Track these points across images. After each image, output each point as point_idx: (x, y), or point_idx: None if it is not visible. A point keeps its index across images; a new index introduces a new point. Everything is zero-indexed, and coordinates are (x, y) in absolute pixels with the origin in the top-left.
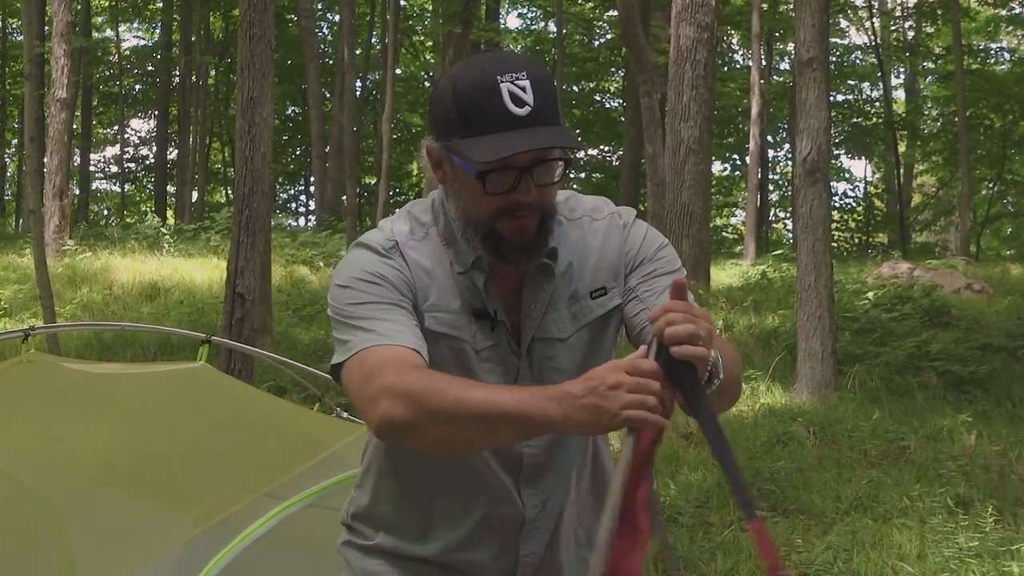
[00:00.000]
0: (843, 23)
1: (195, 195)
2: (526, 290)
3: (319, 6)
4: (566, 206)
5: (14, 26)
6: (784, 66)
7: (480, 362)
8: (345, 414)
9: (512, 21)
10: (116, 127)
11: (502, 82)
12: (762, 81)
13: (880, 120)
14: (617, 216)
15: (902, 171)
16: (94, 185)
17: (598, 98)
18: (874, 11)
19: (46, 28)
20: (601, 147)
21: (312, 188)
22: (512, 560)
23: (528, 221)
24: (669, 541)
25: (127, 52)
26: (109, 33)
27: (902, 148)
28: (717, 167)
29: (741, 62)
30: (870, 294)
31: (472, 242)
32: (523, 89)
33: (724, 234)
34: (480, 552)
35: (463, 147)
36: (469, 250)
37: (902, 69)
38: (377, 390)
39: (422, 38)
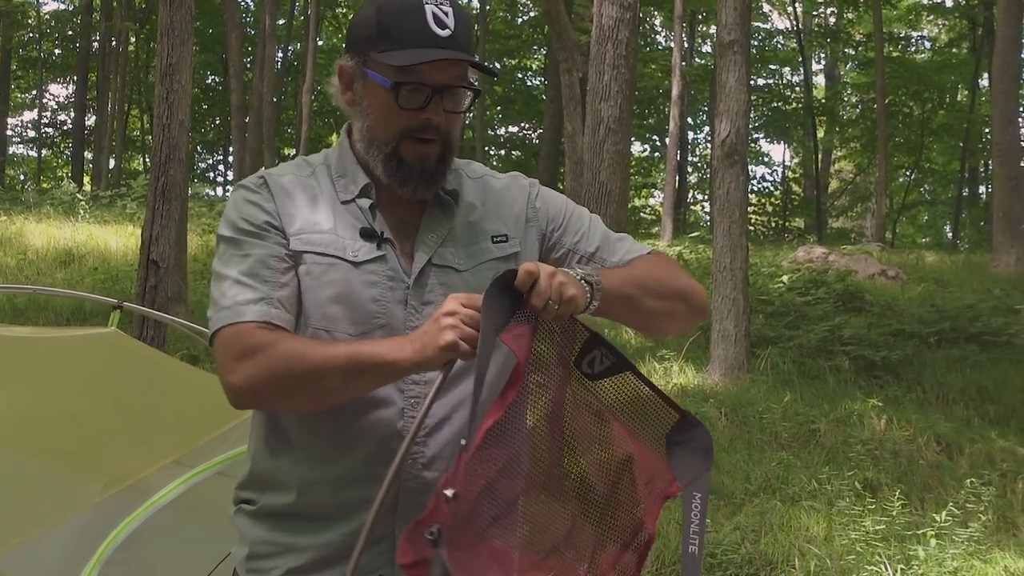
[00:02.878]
0: (765, 7)
1: (112, 162)
2: (424, 221)
3: None
4: (468, 168)
5: None
6: (706, 48)
7: (361, 274)
8: None
9: None
10: (34, 92)
11: (427, 4)
12: (683, 63)
13: (800, 105)
14: (520, 176)
15: (820, 156)
16: (11, 150)
17: (520, 76)
18: None
19: None
20: (521, 125)
21: (231, 158)
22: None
23: (431, 148)
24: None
25: (47, 16)
26: None
27: (821, 134)
28: (637, 148)
29: (663, 43)
30: (785, 278)
31: (373, 162)
32: (446, 14)
33: (642, 215)
34: (356, 489)
35: (382, 58)
36: (361, 177)
37: (823, 55)
38: (233, 358)
39: (345, 10)
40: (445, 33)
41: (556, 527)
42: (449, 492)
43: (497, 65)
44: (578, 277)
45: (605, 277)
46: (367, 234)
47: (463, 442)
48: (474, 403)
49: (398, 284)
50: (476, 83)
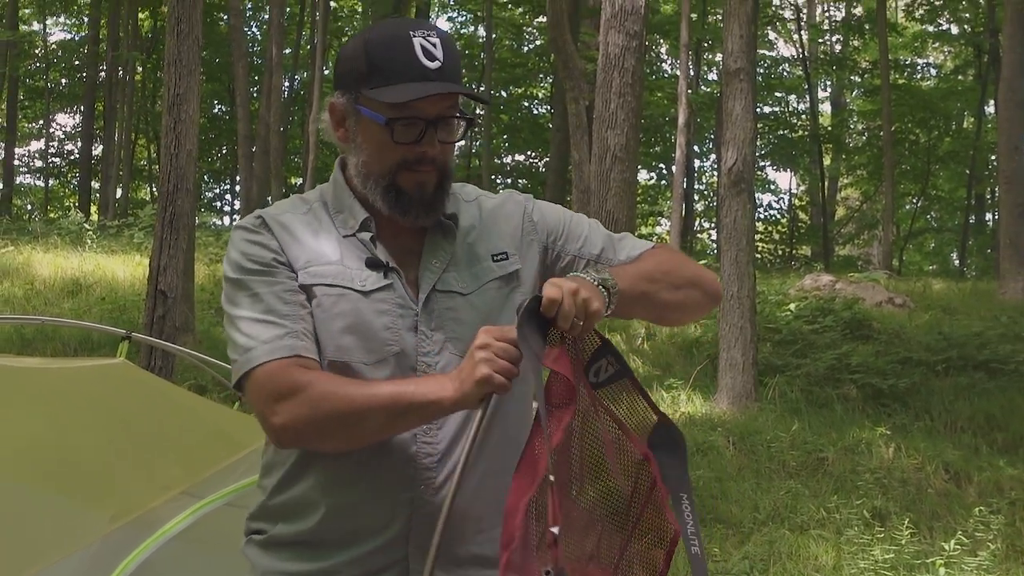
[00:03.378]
0: (771, 35)
1: (119, 191)
2: (426, 247)
3: (248, 5)
4: (463, 191)
5: None
6: (712, 76)
7: (371, 303)
8: None
9: (442, 24)
10: (41, 121)
11: (414, 36)
12: (690, 91)
13: (806, 133)
14: (514, 193)
15: (827, 184)
16: (18, 180)
17: (526, 104)
18: (802, 24)
19: None
20: (528, 153)
21: (238, 187)
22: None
23: (428, 176)
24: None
25: (54, 46)
26: (36, 26)
27: (827, 161)
28: (643, 176)
29: (669, 71)
30: (792, 306)
31: (372, 196)
32: (434, 45)
33: None
34: (370, 514)
35: (374, 95)
36: (360, 212)
37: (829, 82)
38: (273, 399)
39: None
40: (435, 65)
41: (586, 539)
42: (555, 530)
43: (503, 94)
44: (595, 283)
45: (618, 277)
46: (373, 264)
47: (551, 478)
48: (544, 432)
49: (407, 311)
50: (480, 111)
